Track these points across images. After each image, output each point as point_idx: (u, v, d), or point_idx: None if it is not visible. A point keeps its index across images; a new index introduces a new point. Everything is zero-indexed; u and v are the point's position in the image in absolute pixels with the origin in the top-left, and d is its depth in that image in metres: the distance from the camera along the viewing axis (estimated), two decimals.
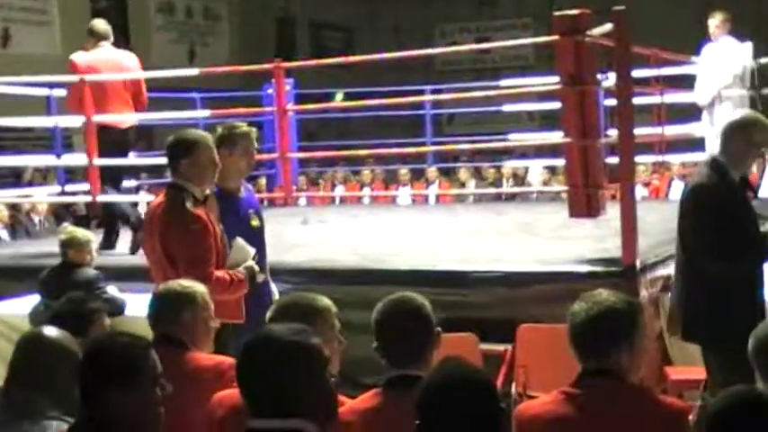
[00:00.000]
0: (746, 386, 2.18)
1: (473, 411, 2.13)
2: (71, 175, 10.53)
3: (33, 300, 5.52)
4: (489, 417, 2.15)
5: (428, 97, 11.00)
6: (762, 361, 2.62)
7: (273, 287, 4.64)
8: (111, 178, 7.15)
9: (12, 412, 2.64)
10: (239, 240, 4.17)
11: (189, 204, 4.00)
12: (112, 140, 7.02)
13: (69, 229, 5.88)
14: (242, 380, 2.28)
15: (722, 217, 3.86)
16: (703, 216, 3.91)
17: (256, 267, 4.20)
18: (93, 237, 5.83)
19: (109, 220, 7.12)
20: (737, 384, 3.81)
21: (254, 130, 4.53)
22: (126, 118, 7.02)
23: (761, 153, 4.11)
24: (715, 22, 8.07)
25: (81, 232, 5.72)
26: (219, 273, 4.01)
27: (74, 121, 7.23)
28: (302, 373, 2.25)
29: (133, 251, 6.44)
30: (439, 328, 2.77)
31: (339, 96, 14.52)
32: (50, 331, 2.83)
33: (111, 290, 5.43)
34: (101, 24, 7.22)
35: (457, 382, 2.17)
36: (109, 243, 6.85)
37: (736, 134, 3.96)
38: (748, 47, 8.06)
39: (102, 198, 7.13)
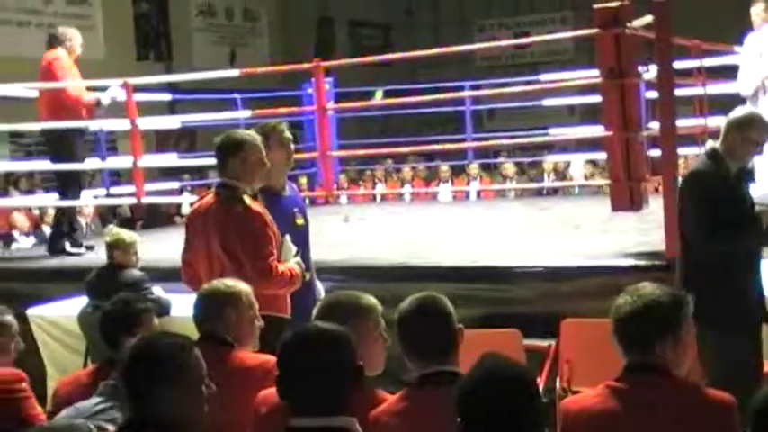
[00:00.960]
0: None
1: (513, 407, 2.13)
2: (116, 177, 10.70)
3: (81, 301, 5.60)
4: (529, 411, 2.15)
5: (467, 93, 10.96)
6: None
7: (320, 285, 4.68)
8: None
9: (118, 401, 3.01)
10: (287, 238, 4.22)
11: (248, 201, 4.07)
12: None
13: (115, 231, 5.95)
14: (283, 376, 2.30)
15: (711, 200, 4.02)
16: (694, 199, 4.11)
17: (303, 264, 4.25)
18: (139, 238, 5.91)
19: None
20: (726, 367, 3.86)
21: (283, 123, 4.59)
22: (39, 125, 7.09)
23: (758, 149, 4.24)
24: (757, 10, 7.93)
25: (126, 234, 5.80)
26: (281, 267, 4.08)
27: (119, 124, 7.32)
28: (343, 369, 2.27)
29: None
30: (461, 325, 2.77)
31: (379, 94, 14.53)
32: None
33: (157, 290, 5.50)
34: (56, 30, 7.33)
35: (496, 377, 2.18)
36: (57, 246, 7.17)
37: (733, 130, 4.14)
38: None
39: (146, 199, 7.23)
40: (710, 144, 4.25)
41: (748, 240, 4.10)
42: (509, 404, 2.13)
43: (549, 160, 12.02)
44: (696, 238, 4.12)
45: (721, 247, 4.06)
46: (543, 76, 9.48)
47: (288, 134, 4.51)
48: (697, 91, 8.04)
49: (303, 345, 2.31)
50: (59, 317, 5.85)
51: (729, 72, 8.22)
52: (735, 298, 4.04)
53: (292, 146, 4.55)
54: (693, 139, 7.96)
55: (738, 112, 4.34)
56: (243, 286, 3.37)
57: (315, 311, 2.90)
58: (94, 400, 3.14)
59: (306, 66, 8.11)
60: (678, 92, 5.53)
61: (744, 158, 4.19)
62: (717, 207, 4.00)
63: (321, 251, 5.39)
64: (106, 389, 3.17)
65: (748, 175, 4.28)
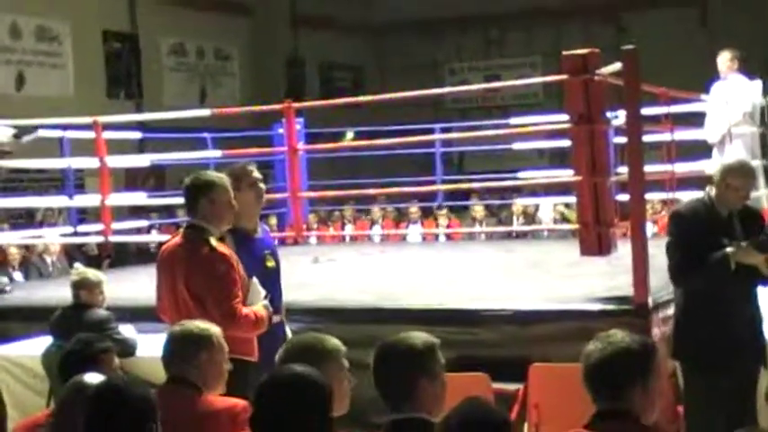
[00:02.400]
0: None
1: None
2: (83, 215, 10.60)
3: (45, 341, 5.52)
4: None
5: (438, 136, 11.03)
6: None
7: (287, 328, 4.65)
8: None
9: None
10: (255, 281, 4.20)
11: (215, 243, 4.05)
12: None
13: (81, 270, 5.89)
14: (259, 419, 2.27)
15: (686, 237, 4.24)
16: (672, 237, 4.34)
17: (270, 307, 4.22)
18: (105, 277, 5.85)
19: None
20: (692, 408, 3.92)
21: (252, 164, 4.60)
22: None
23: (742, 194, 4.42)
24: (723, 59, 8.08)
25: (92, 273, 5.73)
26: (246, 310, 4.06)
27: (87, 162, 7.28)
28: (320, 413, 2.25)
29: None
30: (441, 367, 2.69)
31: (349, 135, 14.58)
32: (91, 378, 3.10)
33: (125, 330, 5.43)
34: None
35: (475, 422, 2.16)
36: None
37: (717, 177, 4.38)
38: (758, 84, 8.08)
39: (114, 238, 7.17)
40: (708, 189, 4.45)
41: (708, 281, 4.20)
42: None
43: (519, 203, 12.08)
44: (670, 272, 4.33)
45: (687, 287, 4.23)
46: (513, 120, 9.56)
47: (257, 174, 4.51)
48: (665, 137, 8.15)
49: (281, 387, 2.29)
50: (23, 357, 5.75)
51: (696, 119, 8.35)
52: (717, 340, 4.08)
53: (262, 186, 4.55)
54: (661, 184, 8.05)
55: (730, 158, 4.53)
56: (215, 329, 3.34)
57: (279, 355, 2.85)
58: None
59: (277, 106, 8.12)
60: (646, 138, 5.59)
61: (730, 203, 4.35)
62: (688, 242, 4.19)
63: (291, 292, 5.35)
64: None
65: (750, 220, 4.40)
